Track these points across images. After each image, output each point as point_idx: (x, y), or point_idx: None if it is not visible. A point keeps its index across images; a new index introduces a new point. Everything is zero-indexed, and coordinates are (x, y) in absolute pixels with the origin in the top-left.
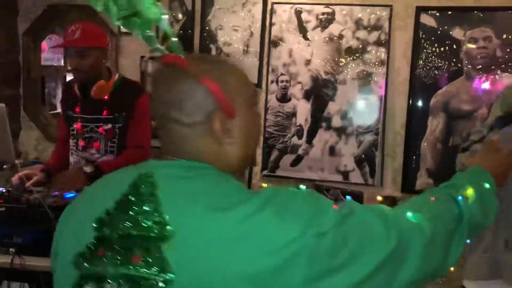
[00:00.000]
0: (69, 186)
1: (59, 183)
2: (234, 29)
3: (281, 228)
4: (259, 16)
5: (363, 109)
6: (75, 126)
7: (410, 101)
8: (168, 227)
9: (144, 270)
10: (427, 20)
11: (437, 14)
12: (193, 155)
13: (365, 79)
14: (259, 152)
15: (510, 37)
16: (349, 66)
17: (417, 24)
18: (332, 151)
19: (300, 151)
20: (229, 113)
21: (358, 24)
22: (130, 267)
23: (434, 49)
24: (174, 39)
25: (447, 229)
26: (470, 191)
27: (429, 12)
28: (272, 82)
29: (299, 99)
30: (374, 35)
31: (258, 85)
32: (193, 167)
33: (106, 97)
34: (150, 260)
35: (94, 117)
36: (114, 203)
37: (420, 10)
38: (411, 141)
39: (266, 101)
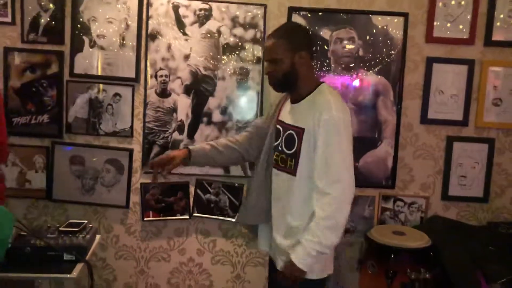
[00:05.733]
0: None
1: None
2: (109, 21)
3: None
4: (135, 8)
5: (242, 104)
6: None
7: None
8: None
9: None
10: (299, 20)
11: (308, 15)
12: None
13: (243, 75)
14: (139, 148)
15: (369, 38)
16: (227, 62)
17: None
18: None
19: (181, 146)
20: None
21: (234, 21)
22: None
23: None
24: None
25: None
26: None
27: (300, 12)
28: (151, 76)
29: (179, 94)
30: (250, 33)
31: (136, 79)
32: None
33: None
34: None
35: None
36: None
37: (292, 10)
38: None
39: (145, 96)
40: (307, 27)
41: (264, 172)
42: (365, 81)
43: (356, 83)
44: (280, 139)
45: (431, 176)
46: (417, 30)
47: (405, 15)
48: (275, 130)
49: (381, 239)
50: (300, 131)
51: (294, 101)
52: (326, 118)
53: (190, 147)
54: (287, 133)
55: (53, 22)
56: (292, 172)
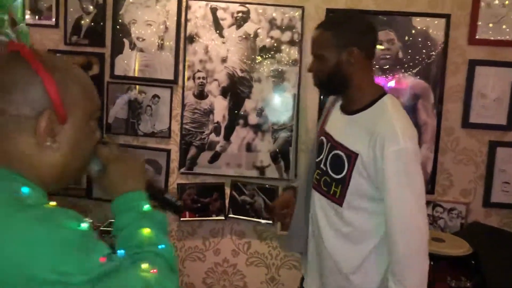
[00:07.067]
0: None
1: None
2: (148, 24)
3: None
4: (174, 11)
5: (278, 106)
6: None
7: (321, 99)
8: None
9: None
10: None
11: None
12: (4, 151)
13: (279, 78)
14: (176, 149)
15: (409, 40)
16: (263, 65)
17: None
18: (249, 147)
19: (217, 148)
20: (60, 117)
21: (272, 23)
22: None
23: None
24: (24, 26)
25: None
26: (146, 231)
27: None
28: (188, 78)
29: (216, 96)
30: (287, 35)
31: (175, 81)
32: None
33: None
34: None
35: None
36: None
37: (329, 12)
38: None
39: (183, 98)
40: (369, 19)
41: (304, 193)
42: (404, 83)
43: (395, 85)
44: (323, 155)
45: (472, 181)
46: (459, 32)
47: (447, 16)
48: (318, 141)
49: None
50: (352, 156)
51: (347, 112)
52: (393, 150)
53: (294, 184)
54: (334, 152)
55: (95, 25)
56: (338, 201)
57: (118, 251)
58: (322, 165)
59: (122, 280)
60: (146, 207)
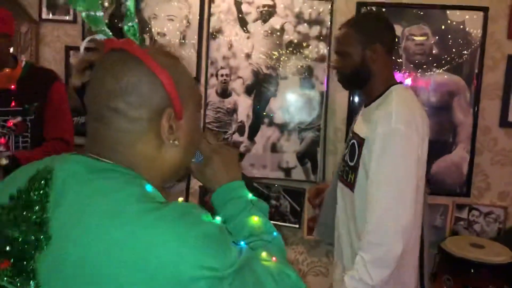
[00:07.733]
0: None
1: None
2: (170, 18)
3: (181, 253)
4: (196, 5)
5: (305, 105)
6: None
7: (351, 97)
8: (42, 236)
9: (8, 279)
10: None
11: (382, 9)
12: (126, 155)
13: (306, 74)
14: None
15: (444, 34)
16: (290, 61)
17: None
18: (274, 148)
19: (241, 148)
20: (178, 113)
21: (299, 18)
22: None
23: None
24: (135, 22)
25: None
26: (256, 220)
27: (369, 8)
28: (211, 76)
29: (240, 94)
30: (315, 30)
31: (197, 79)
32: (98, 167)
33: (13, 86)
34: (17, 270)
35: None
36: (8, 199)
37: (360, 5)
38: None
39: (206, 96)
40: (387, 17)
41: (335, 184)
42: (438, 80)
43: (429, 82)
44: (347, 148)
45: (510, 184)
46: (498, 26)
47: (484, 9)
48: (349, 138)
49: (459, 252)
50: (360, 142)
51: (366, 104)
52: (383, 131)
53: None
54: (351, 142)
55: (114, 20)
56: (351, 187)
57: (239, 244)
58: (345, 158)
59: (253, 272)
60: (250, 195)
